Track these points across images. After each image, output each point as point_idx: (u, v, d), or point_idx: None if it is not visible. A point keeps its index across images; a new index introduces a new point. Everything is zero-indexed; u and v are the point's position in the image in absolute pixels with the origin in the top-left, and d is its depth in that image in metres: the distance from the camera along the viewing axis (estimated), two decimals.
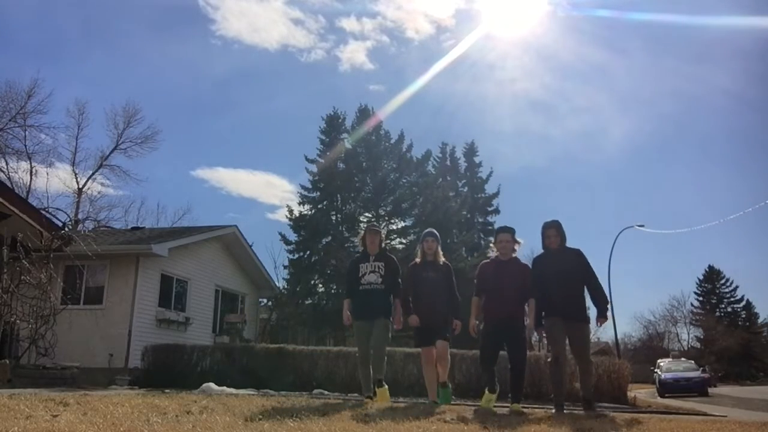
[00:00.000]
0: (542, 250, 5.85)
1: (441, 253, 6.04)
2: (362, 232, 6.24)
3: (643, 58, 51.82)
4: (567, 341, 5.52)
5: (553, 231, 5.71)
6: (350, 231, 33.59)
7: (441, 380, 5.82)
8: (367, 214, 34.21)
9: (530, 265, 5.79)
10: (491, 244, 6.63)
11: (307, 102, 55.74)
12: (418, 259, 6.01)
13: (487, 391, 5.42)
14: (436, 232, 6.16)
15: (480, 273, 5.77)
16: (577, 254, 5.71)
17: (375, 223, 7.29)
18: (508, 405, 5.29)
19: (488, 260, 5.95)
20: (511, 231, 5.79)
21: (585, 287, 5.61)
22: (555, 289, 5.46)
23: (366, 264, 5.99)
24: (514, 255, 5.72)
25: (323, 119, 35.35)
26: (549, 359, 5.68)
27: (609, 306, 5.95)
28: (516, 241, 5.72)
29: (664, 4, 41.96)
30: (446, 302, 5.78)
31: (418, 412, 4.42)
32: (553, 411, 5.27)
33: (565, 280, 5.47)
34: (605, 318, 5.61)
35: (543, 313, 5.54)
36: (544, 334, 5.60)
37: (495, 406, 5.35)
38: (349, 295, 6.02)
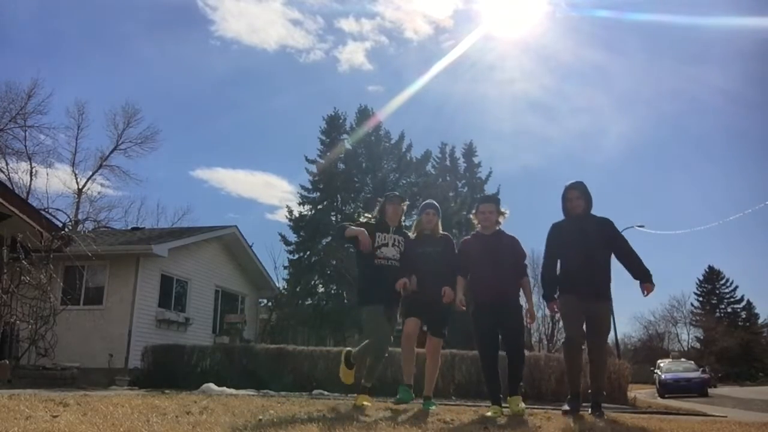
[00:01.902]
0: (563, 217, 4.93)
1: (440, 226, 5.25)
2: (381, 201, 5.24)
3: (642, 58, 51.87)
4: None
5: (575, 193, 4.83)
6: None
7: (426, 392, 4.98)
8: (367, 215, 34.18)
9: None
10: (471, 215, 5.21)
11: (306, 103, 55.78)
12: (412, 234, 5.18)
13: (492, 405, 4.58)
14: (437, 204, 5.35)
15: (463, 250, 4.98)
16: (605, 223, 4.84)
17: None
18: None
19: (469, 236, 5.11)
20: (494, 200, 5.08)
21: (610, 261, 4.75)
22: (573, 261, 4.68)
23: (384, 234, 4.96)
24: (498, 228, 4.95)
25: (324, 119, 35.42)
26: (563, 341, 4.89)
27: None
28: (501, 212, 4.96)
29: (663, 4, 42.01)
30: (447, 279, 4.80)
31: (419, 412, 4.42)
32: (566, 407, 4.59)
33: (586, 252, 4.65)
34: (652, 283, 4.61)
35: (558, 288, 4.76)
36: (557, 310, 4.76)
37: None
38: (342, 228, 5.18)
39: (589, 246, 4.66)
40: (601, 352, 4.81)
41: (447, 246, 5.08)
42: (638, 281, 4.64)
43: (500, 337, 4.71)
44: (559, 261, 4.83)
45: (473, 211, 5.07)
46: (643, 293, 4.62)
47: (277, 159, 58.85)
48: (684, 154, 62.49)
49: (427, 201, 5.41)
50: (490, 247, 4.81)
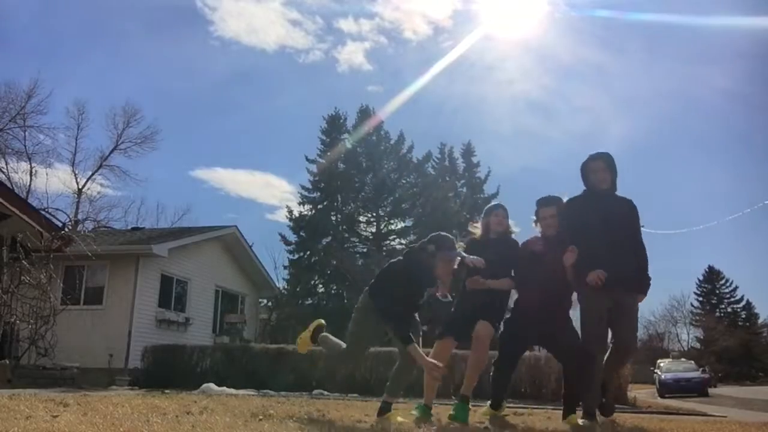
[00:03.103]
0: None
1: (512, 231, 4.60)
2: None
3: (642, 58, 51.81)
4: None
5: (601, 164, 4.15)
6: (350, 231, 33.64)
7: (464, 390, 4.14)
8: (366, 215, 34.26)
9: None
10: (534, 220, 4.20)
11: (305, 103, 55.67)
12: (477, 234, 4.53)
13: (489, 407, 4.37)
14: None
15: (526, 252, 4.29)
16: (630, 206, 4.21)
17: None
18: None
19: (534, 237, 4.38)
20: (554, 202, 4.28)
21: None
22: (596, 244, 3.95)
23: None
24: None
25: (324, 119, 35.44)
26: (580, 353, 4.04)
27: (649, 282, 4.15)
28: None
29: (664, 4, 41.95)
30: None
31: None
32: (583, 420, 4.01)
33: (612, 234, 4.01)
34: (644, 294, 4.12)
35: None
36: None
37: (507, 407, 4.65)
38: None
39: (614, 228, 4.04)
40: (630, 350, 4.18)
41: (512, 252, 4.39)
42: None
43: (552, 349, 4.37)
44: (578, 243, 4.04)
45: (535, 217, 4.36)
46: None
47: (277, 159, 58.76)
48: (684, 153, 62.47)
49: (497, 203, 4.84)
50: (554, 250, 4.14)
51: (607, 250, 3.95)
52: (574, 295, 4.17)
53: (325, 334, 4.58)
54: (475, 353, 4.10)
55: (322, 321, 4.71)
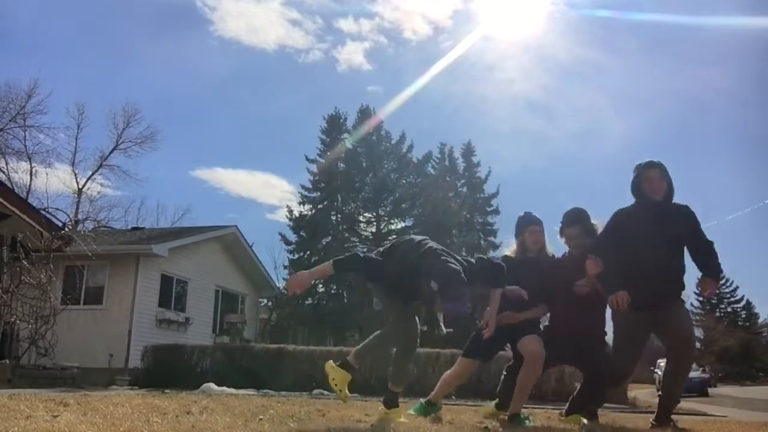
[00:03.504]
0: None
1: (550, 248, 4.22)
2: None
3: (642, 58, 51.83)
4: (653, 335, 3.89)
5: (656, 173, 3.82)
6: (350, 231, 33.67)
7: (513, 410, 3.93)
8: (366, 214, 34.29)
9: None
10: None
11: (305, 103, 55.68)
12: (511, 252, 4.24)
13: (495, 407, 4.25)
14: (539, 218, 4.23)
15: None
16: (688, 214, 3.85)
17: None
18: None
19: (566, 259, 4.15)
20: (581, 219, 4.07)
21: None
22: (646, 259, 3.64)
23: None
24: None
25: (324, 119, 35.49)
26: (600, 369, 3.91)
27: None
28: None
29: (664, 4, 41.97)
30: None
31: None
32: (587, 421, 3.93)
33: (665, 249, 3.68)
34: (717, 283, 3.86)
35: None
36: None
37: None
38: None
39: (668, 242, 3.69)
40: (688, 358, 3.82)
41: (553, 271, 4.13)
42: (704, 276, 3.77)
43: (579, 367, 4.23)
44: (620, 259, 3.73)
45: (560, 236, 4.14)
46: (703, 290, 3.84)
47: (277, 159, 58.76)
48: (684, 153, 62.36)
49: (529, 213, 4.27)
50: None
51: (658, 268, 3.64)
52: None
53: (358, 350, 3.91)
54: (529, 370, 3.80)
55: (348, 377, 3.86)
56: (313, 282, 3.46)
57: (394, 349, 3.85)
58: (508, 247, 4.32)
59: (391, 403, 3.80)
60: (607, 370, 3.84)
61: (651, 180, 3.81)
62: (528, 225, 4.16)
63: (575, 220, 4.07)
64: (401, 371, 3.82)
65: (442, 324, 3.41)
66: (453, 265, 3.31)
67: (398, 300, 3.70)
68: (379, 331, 3.90)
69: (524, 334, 3.87)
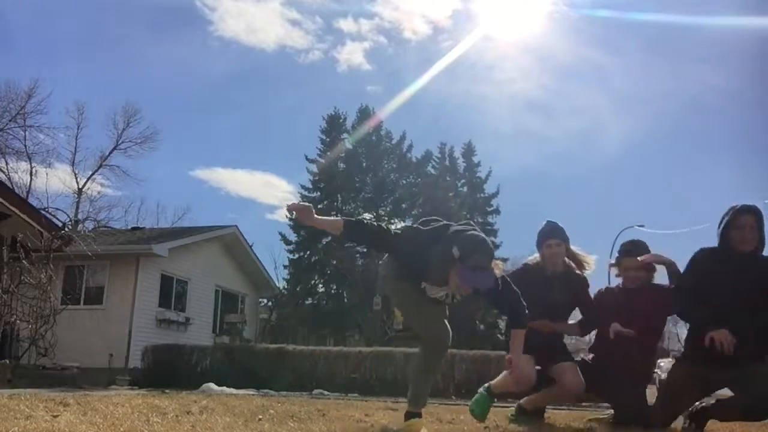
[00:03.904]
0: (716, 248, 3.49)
1: (573, 264, 3.88)
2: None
3: (642, 57, 51.80)
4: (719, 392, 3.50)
5: (750, 220, 3.36)
6: None
7: (526, 404, 3.85)
8: (366, 214, 34.31)
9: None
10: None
11: (305, 103, 55.62)
12: (533, 263, 3.95)
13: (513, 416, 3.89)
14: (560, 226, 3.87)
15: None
16: None
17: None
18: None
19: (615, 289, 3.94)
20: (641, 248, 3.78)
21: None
22: (722, 314, 3.22)
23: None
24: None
25: (324, 119, 35.53)
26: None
27: None
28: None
29: (663, 4, 41.95)
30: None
31: None
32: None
33: (748, 307, 3.26)
34: None
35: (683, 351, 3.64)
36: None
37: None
38: None
39: (752, 299, 3.26)
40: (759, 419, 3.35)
41: (578, 293, 3.87)
42: None
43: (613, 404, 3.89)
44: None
45: (614, 267, 3.89)
46: None
47: (277, 159, 58.68)
48: (684, 153, 62.34)
49: (550, 224, 3.88)
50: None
51: (736, 327, 3.16)
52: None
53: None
54: (557, 397, 3.69)
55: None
56: (310, 225, 2.92)
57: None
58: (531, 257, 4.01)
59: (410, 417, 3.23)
60: (641, 417, 3.49)
61: (742, 227, 3.36)
62: (546, 238, 3.83)
63: (637, 251, 3.76)
64: (420, 386, 3.20)
65: (457, 292, 3.00)
66: (480, 234, 2.93)
67: (413, 286, 3.12)
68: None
69: (558, 356, 3.64)
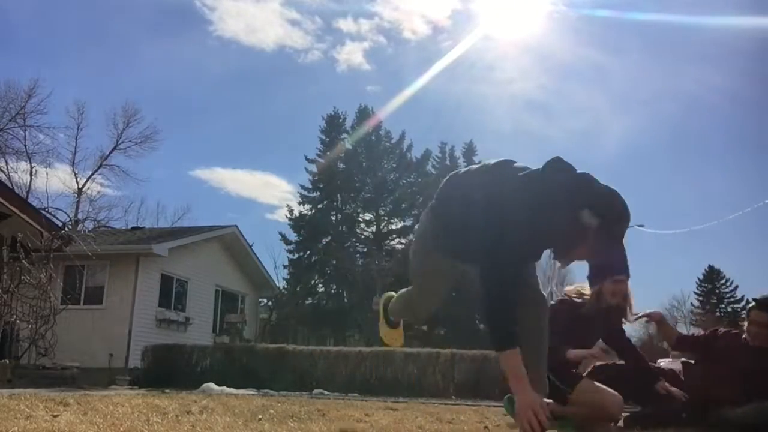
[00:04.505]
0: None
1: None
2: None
3: (642, 57, 51.79)
4: None
5: (763, 317, 3.29)
6: (350, 231, 33.67)
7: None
8: (366, 214, 34.31)
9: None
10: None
11: (304, 103, 55.56)
12: (576, 294, 3.47)
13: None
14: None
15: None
16: None
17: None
18: None
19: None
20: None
21: None
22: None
23: None
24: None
25: (323, 119, 35.50)
26: None
27: None
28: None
29: (663, 4, 41.94)
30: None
31: (417, 411, 4.42)
32: None
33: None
34: None
35: None
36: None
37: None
38: None
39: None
40: None
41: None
42: None
43: None
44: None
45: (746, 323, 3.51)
46: None
47: (277, 159, 58.59)
48: (684, 153, 62.37)
49: (622, 254, 3.29)
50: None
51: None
52: None
53: (390, 296, 3.14)
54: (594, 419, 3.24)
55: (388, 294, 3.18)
56: None
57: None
58: (571, 286, 3.50)
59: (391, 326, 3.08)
60: None
61: (756, 323, 3.25)
62: (614, 273, 3.25)
63: None
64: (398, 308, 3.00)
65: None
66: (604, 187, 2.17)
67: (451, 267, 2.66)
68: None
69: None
